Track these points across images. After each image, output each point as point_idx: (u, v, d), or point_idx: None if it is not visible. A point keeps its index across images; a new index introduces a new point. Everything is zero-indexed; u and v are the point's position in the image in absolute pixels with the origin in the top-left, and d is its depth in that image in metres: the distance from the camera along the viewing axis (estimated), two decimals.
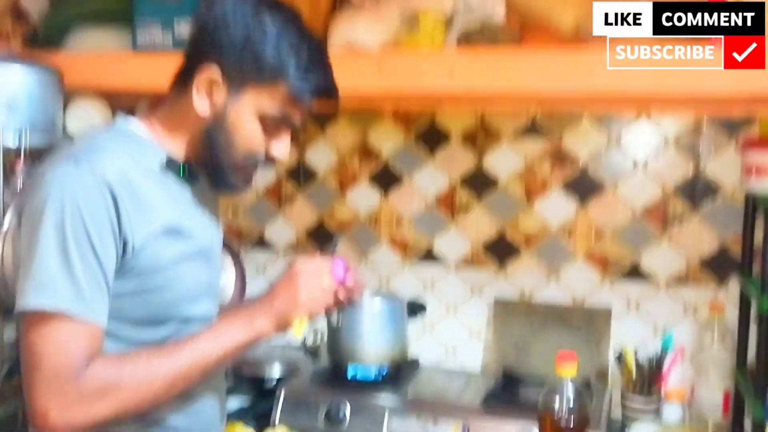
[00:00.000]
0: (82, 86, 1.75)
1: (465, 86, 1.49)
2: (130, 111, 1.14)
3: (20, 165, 1.51)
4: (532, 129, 1.81)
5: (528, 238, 1.84)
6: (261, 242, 2.11)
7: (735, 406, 1.60)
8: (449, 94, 1.61)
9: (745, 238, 1.61)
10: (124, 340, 1.03)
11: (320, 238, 2.04)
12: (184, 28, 1.66)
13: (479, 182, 1.87)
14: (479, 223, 1.88)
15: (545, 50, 1.43)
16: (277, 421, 1.57)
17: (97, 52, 1.80)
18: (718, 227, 1.69)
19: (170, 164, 1.09)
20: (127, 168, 1.01)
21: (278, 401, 1.59)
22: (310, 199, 2.05)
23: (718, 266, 1.69)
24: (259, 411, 1.72)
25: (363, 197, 1.99)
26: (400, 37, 1.61)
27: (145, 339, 1.05)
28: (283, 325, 1.09)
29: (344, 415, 1.54)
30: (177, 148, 1.11)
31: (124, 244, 0.99)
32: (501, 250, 1.86)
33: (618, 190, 1.76)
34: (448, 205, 1.90)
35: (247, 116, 1.06)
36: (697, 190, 1.70)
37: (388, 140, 1.95)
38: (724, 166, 1.67)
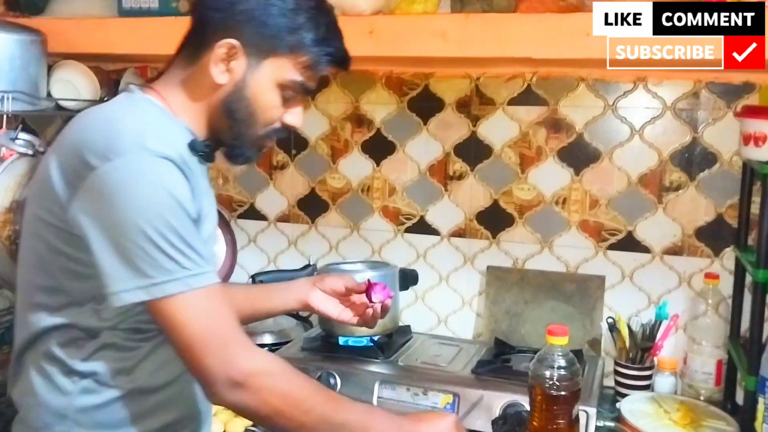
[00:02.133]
0: (66, 51, 1.72)
1: (458, 51, 1.47)
2: (116, 84, 1.11)
3: (2, 130, 1.49)
4: (528, 96, 1.78)
5: (522, 207, 1.81)
6: (252, 211, 2.09)
7: (727, 376, 1.60)
8: (442, 59, 1.58)
9: (742, 208, 1.59)
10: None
11: (311, 207, 2.02)
12: None
13: (473, 151, 1.84)
14: (472, 191, 1.85)
15: (539, 16, 1.41)
16: None
17: (81, 17, 1.77)
18: (714, 196, 1.66)
19: (195, 145, 1.05)
20: (180, 149, 1.00)
21: None
22: (301, 168, 2.02)
23: (713, 236, 1.67)
24: None
25: (355, 166, 1.96)
26: (393, 1, 1.57)
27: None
28: None
29: (334, 384, 1.53)
30: (195, 122, 1.08)
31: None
32: (494, 219, 1.84)
33: (613, 159, 1.73)
34: (442, 173, 1.88)
35: (268, 86, 1.06)
36: (693, 159, 1.67)
37: (380, 108, 1.91)
38: (721, 135, 1.64)
